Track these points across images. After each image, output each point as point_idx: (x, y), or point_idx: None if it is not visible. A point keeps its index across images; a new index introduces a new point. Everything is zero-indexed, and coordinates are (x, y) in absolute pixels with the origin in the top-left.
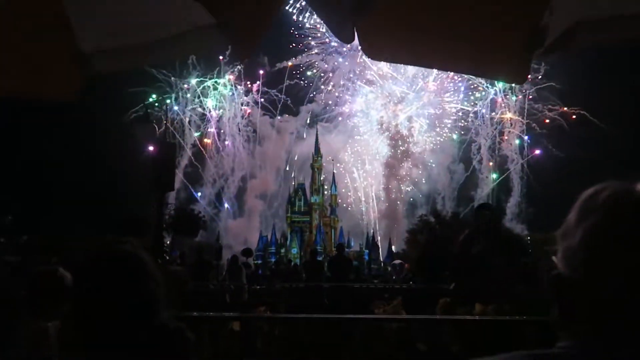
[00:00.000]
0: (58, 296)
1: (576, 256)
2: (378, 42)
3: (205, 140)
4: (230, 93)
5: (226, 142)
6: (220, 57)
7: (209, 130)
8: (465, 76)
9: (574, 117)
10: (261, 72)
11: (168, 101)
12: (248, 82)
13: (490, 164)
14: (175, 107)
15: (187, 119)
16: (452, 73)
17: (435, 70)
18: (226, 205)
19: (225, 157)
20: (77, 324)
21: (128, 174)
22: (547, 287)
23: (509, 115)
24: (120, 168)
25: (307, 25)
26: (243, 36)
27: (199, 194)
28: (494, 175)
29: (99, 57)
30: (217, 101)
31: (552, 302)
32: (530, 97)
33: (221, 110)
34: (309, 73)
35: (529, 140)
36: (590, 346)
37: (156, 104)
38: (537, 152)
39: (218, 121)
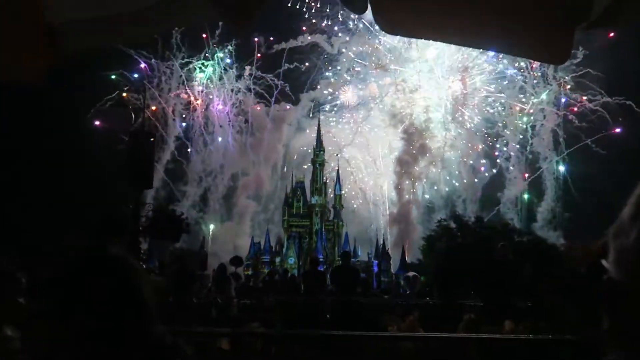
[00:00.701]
0: (14, 302)
1: (631, 258)
2: (394, 13)
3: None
4: (219, 77)
5: (216, 119)
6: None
7: (194, 120)
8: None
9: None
10: (256, 40)
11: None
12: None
13: (518, 108)
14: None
15: (171, 109)
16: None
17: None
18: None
19: (213, 151)
20: (62, 337)
21: (99, 168)
22: (596, 295)
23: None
24: (90, 161)
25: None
26: (238, 6)
27: None
28: (524, 119)
29: (71, 31)
30: (204, 86)
31: (602, 312)
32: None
33: (209, 93)
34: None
35: (565, 100)
36: None
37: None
38: (617, 130)
39: (205, 109)
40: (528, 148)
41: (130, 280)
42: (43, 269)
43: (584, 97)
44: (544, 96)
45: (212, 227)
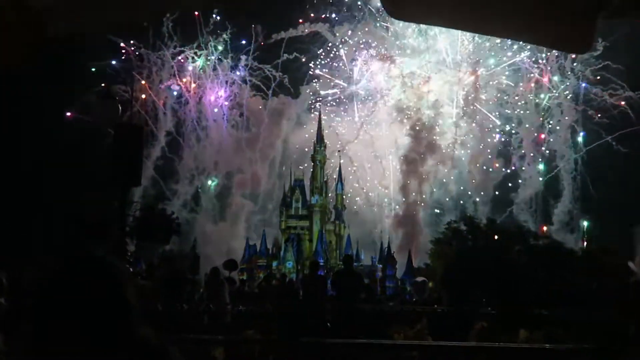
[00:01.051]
0: None
1: None
2: None
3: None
4: (213, 68)
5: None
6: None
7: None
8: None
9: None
10: (252, 27)
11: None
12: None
13: (532, 85)
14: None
15: (162, 101)
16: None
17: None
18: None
19: (206, 146)
20: (48, 339)
21: (83, 164)
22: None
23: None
24: (74, 156)
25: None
26: None
27: None
28: (544, 98)
29: (53, 13)
30: (197, 77)
31: (630, 315)
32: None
33: (203, 85)
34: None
35: (585, 85)
36: None
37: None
38: None
39: (198, 102)
40: (544, 146)
41: (112, 281)
42: (24, 270)
43: (617, 101)
44: (556, 78)
45: (204, 227)
